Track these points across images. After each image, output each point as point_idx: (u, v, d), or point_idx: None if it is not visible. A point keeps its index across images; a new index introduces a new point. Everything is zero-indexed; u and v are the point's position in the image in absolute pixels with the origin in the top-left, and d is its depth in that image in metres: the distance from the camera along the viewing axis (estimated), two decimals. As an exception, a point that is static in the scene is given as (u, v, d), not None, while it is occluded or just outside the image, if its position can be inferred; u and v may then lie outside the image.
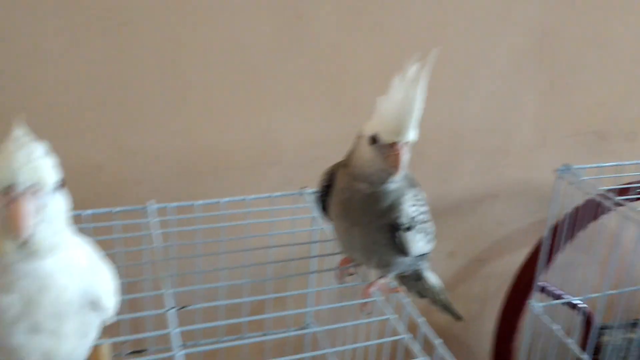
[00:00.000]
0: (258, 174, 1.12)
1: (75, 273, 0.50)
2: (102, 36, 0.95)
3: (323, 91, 1.12)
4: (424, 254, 0.82)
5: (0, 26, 0.91)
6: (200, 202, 0.93)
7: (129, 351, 0.95)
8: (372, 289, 0.80)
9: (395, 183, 0.71)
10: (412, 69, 0.65)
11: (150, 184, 1.06)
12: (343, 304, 0.81)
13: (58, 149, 0.96)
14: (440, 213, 1.31)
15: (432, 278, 0.88)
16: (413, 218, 0.73)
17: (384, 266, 0.79)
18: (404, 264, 0.79)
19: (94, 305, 0.53)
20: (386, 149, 0.66)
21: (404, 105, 0.64)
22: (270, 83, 1.07)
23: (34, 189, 0.45)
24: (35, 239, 0.46)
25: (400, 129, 0.65)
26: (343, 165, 0.75)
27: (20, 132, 0.47)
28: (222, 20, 1.00)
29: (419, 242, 0.75)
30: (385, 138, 0.66)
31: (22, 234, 0.44)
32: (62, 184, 0.48)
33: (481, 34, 1.17)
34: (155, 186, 1.06)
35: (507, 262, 1.40)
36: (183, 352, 0.66)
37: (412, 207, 0.72)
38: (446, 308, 0.90)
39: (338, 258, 0.88)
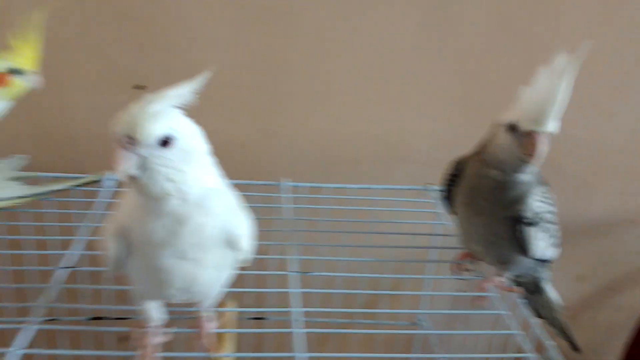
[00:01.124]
0: (386, 167, 1.16)
1: (213, 213, 0.57)
2: (264, 25, 1.05)
3: (460, 94, 1.13)
4: (545, 261, 0.80)
5: (170, 15, 1.03)
6: (330, 185, 0.99)
7: (252, 317, 1.02)
8: (488, 284, 0.80)
9: (526, 175, 0.71)
10: (559, 59, 0.65)
11: (285, 164, 1.14)
12: (457, 293, 0.82)
13: (211, 123, 1.08)
14: (572, 232, 1.25)
15: (552, 293, 0.85)
16: (538, 214, 0.72)
17: (502, 263, 0.78)
18: (523, 264, 0.78)
19: (230, 243, 0.60)
20: (525, 137, 0.66)
21: (548, 94, 0.64)
22: (409, 81, 1.11)
23: (130, 139, 0.51)
24: (141, 183, 0.53)
25: (541, 118, 0.65)
26: (475, 153, 0.76)
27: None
28: (371, 15, 1.06)
29: (540, 242, 0.74)
30: (525, 126, 0.66)
31: (117, 174, 0.51)
32: (166, 143, 0.52)
33: (638, 43, 1.11)
34: (289, 166, 1.14)
35: (641, 295, 1.30)
36: (303, 309, 0.71)
37: (538, 203, 0.72)
38: (564, 332, 0.86)
39: (457, 253, 0.89)
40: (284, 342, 0.68)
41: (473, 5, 1.06)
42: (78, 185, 0.93)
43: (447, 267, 0.90)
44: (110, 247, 0.59)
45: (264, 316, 1.02)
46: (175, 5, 1.03)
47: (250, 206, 0.94)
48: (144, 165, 0.52)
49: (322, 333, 1.08)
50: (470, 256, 0.86)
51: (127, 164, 0.51)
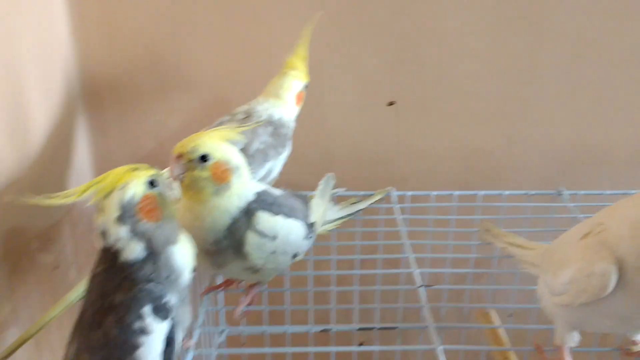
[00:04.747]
0: (635, 169, 1.13)
1: None
2: (517, 34, 1.04)
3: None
4: None
5: (422, 29, 1.04)
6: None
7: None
8: None
9: None
10: None
11: (531, 170, 1.13)
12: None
13: (460, 131, 1.07)
14: None
15: None
16: None
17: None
18: None
19: None
20: None
21: None
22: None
23: None
24: None
25: None
26: None
27: None
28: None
29: None
30: None
31: None
32: None
33: None
34: (536, 171, 1.13)
35: None
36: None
37: None
38: None
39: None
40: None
41: None
42: (372, 203, 0.93)
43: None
44: (608, 281, 0.58)
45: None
46: (427, 18, 1.03)
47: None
48: None
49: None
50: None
51: None
